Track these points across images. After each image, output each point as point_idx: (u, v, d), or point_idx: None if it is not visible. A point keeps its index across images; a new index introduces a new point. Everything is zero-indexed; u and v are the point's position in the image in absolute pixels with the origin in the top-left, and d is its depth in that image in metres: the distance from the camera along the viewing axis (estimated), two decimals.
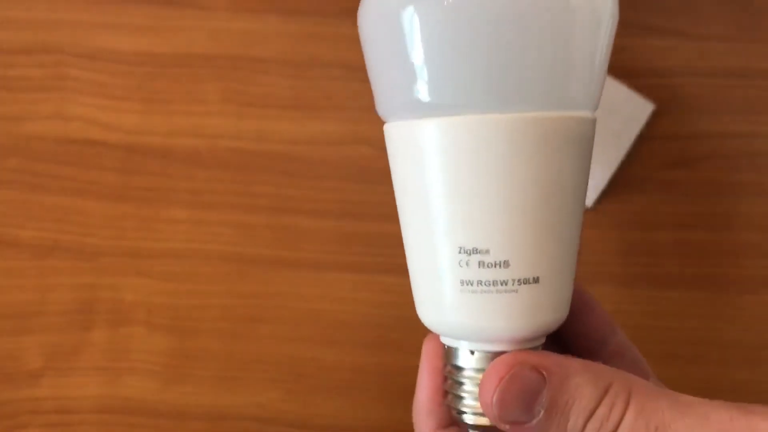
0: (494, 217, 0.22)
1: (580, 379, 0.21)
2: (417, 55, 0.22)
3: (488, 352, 0.23)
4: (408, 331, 0.37)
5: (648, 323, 0.37)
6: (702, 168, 0.37)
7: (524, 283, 0.23)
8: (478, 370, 0.23)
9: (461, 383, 0.24)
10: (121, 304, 0.38)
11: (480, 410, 0.23)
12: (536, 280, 0.23)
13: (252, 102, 0.38)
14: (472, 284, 0.23)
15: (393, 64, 0.23)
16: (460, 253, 0.23)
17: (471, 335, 0.24)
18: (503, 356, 0.22)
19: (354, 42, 0.38)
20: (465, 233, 0.23)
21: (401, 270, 0.38)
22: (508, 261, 0.22)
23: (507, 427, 0.22)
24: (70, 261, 0.38)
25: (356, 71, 0.38)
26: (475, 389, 0.23)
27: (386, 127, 0.25)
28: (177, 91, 0.38)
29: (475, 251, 0.23)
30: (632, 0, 0.37)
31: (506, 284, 0.22)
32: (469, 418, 0.24)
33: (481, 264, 0.22)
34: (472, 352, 0.24)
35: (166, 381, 0.38)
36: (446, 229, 0.23)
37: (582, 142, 0.23)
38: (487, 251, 0.22)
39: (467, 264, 0.23)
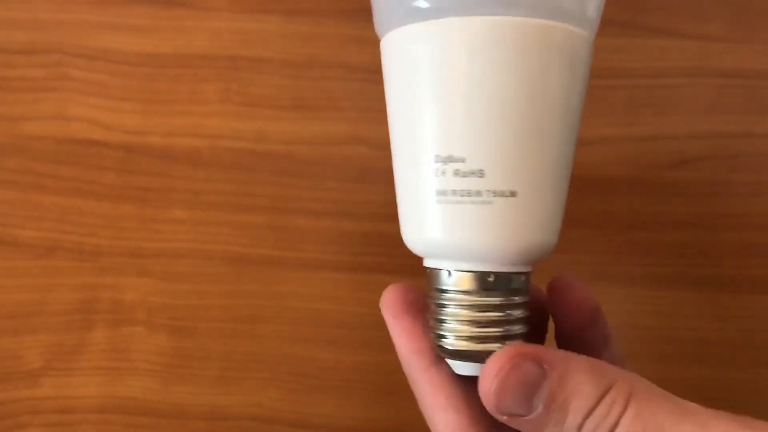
0: (472, 124, 0.22)
1: (581, 376, 0.21)
2: None
3: (469, 272, 0.23)
4: None
5: (648, 323, 0.37)
6: (702, 168, 0.37)
7: (499, 195, 0.22)
8: (460, 291, 0.23)
9: (443, 305, 0.24)
10: (122, 304, 0.38)
11: (462, 333, 0.23)
12: (512, 194, 0.22)
13: (252, 102, 0.38)
14: (446, 194, 0.23)
15: None
16: (436, 161, 0.23)
17: (450, 252, 0.23)
18: (505, 347, 0.22)
19: (354, 42, 0.38)
20: (442, 140, 0.22)
21: (401, 270, 0.38)
22: (482, 170, 0.22)
23: (505, 418, 0.22)
24: (71, 261, 0.38)
25: (356, 71, 0.38)
26: (458, 311, 0.23)
27: (381, 43, 0.25)
28: (177, 91, 0.38)
29: (451, 159, 0.22)
30: (632, 0, 0.37)
31: (480, 194, 0.22)
32: (449, 343, 0.24)
33: (456, 172, 0.22)
34: (450, 273, 0.23)
35: (166, 381, 0.38)
36: (424, 135, 0.23)
37: (572, 56, 0.23)
38: (463, 159, 0.22)
39: (443, 173, 0.22)
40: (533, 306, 0.25)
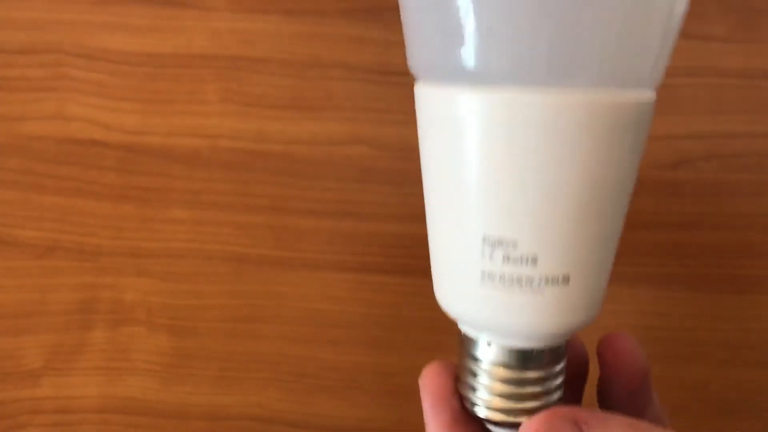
0: (526, 205, 0.20)
1: None
2: (459, 10, 0.19)
3: (507, 347, 0.22)
4: (408, 331, 0.37)
5: (648, 323, 0.37)
6: (702, 168, 0.37)
7: (552, 283, 0.20)
8: (495, 363, 0.22)
9: (476, 374, 0.23)
10: (121, 304, 0.38)
11: (493, 404, 0.22)
12: (565, 280, 0.20)
13: (252, 102, 0.38)
14: (494, 278, 0.21)
15: (430, 16, 0.20)
16: (484, 242, 0.20)
17: (490, 328, 0.22)
18: (546, 411, 0.21)
19: (354, 42, 0.38)
20: (492, 221, 0.20)
21: (401, 270, 0.38)
22: (536, 256, 0.20)
23: None
24: (71, 261, 0.38)
25: (356, 71, 0.38)
26: (490, 382, 0.22)
27: (417, 89, 0.22)
28: (177, 91, 0.38)
29: (501, 242, 0.20)
30: None
31: (532, 283, 0.20)
32: (481, 411, 0.23)
33: (506, 258, 0.20)
34: (489, 344, 0.22)
35: (166, 381, 0.38)
36: (472, 213, 0.20)
37: (638, 129, 0.20)
38: (515, 244, 0.20)
39: (491, 256, 0.20)
40: (572, 355, 0.24)
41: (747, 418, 0.37)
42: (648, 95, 0.20)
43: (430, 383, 0.24)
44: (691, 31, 0.38)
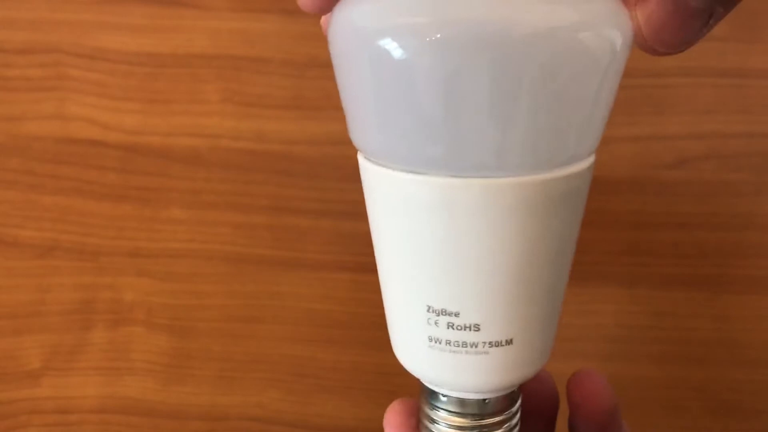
0: (465, 281, 0.21)
1: None
2: (398, 102, 0.19)
3: (461, 398, 0.23)
4: None
5: (648, 323, 0.37)
6: (702, 168, 0.37)
7: (496, 346, 0.21)
8: (451, 413, 0.23)
9: (435, 421, 0.24)
10: (121, 304, 0.38)
11: None
12: (509, 342, 0.21)
13: (252, 102, 0.38)
14: (440, 342, 0.21)
15: (369, 106, 0.20)
16: (428, 311, 0.21)
17: (441, 384, 0.23)
18: None
19: None
20: (434, 293, 0.21)
21: None
22: (478, 325, 0.21)
23: None
24: (70, 261, 0.38)
25: None
26: (450, 430, 0.23)
27: (363, 164, 0.22)
28: (177, 91, 0.38)
29: (444, 312, 0.21)
30: None
31: (476, 346, 0.21)
32: None
33: (450, 325, 0.21)
34: (444, 396, 0.23)
35: (166, 381, 0.38)
36: (416, 285, 0.21)
37: (574, 197, 0.21)
38: (457, 314, 0.21)
39: (436, 323, 0.21)
40: (543, 392, 0.25)
41: (747, 418, 0.37)
42: (579, 166, 0.20)
43: (393, 421, 0.25)
44: None
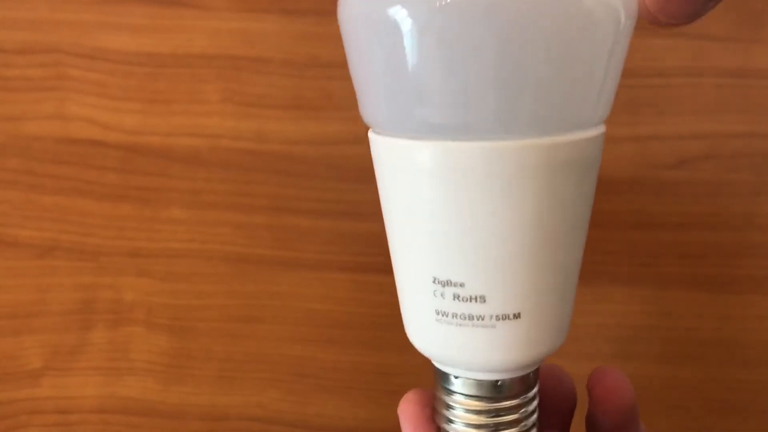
0: (471, 250, 0.20)
1: None
2: (405, 68, 0.19)
3: (475, 379, 0.22)
4: None
5: (648, 323, 0.37)
6: (702, 168, 0.37)
7: (503, 319, 0.21)
8: (467, 396, 0.23)
9: (450, 406, 0.23)
10: (121, 304, 0.38)
11: None
12: (517, 316, 0.21)
13: (252, 102, 0.38)
14: (447, 316, 0.21)
15: (377, 75, 0.21)
16: (434, 283, 0.21)
17: (452, 363, 0.22)
18: None
19: None
20: (439, 263, 0.21)
21: None
22: (484, 296, 0.21)
23: None
24: (70, 261, 0.38)
25: None
26: (468, 415, 0.23)
27: (372, 137, 0.23)
28: (177, 91, 0.38)
29: (449, 283, 0.21)
30: None
31: (482, 319, 0.21)
32: None
33: (456, 297, 0.21)
34: (457, 377, 0.23)
35: (166, 381, 0.38)
36: (422, 256, 0.21)
37: (582, 164, 0.21)
38: (462, 285, 0.21)
39: (442, 295, 0.21)
40: (560, 388, 0.25)
41: (747, 418, 0.37)
42: (585, 134, 0.21)
43: (408, 411, 0.25)
44: (691, 31, 0.38)
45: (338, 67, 0.38)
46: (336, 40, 0.38)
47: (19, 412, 0.38)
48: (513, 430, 0.23)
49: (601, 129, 0.21)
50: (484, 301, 0.21)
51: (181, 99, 0.38)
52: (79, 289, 0.38)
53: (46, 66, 0.38)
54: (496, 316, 0.21)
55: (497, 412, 0.22)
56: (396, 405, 0.37)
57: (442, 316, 0.21)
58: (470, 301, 0.21)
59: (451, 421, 0.23)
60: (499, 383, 0.22)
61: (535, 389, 0.23)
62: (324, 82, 0.38)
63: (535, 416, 0.23)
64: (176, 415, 0.38)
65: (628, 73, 0.38)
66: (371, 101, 0.22)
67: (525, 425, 0.23)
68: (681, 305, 0.37)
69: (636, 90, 0.37)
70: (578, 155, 0.20)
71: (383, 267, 0.37)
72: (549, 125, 0.20)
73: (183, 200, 0.38)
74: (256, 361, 0.38)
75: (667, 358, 0.37)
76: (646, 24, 0.39)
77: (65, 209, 0.38)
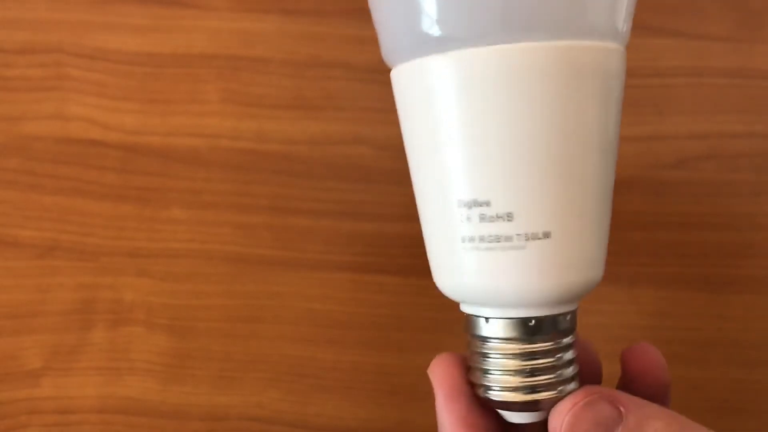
0: (494, 163, 0.20)
1: (659, 424, 0.19)
2: None
3: (509, 318, 0.21)
4: (408, 331, 0.37)
5: (648, 323, 0.37)
6: (702, 168, 0.37)
7: (532, 239, 0.20)
8: (503, 340, 0.22)
9: (486, 355, 0.22)
10: (121, 304, 0.38)
11: (510, 384, 0.22)
12: (546, 235, 0.20)
13: (252, 102, 0.38)
14: (474, 240, 0.20)
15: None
16: (459, 206, 0.21)
17: (485, 299, 0.22)
18: (584, 388, 0.20)
19: (354, 42, 0.38)
20: (463, 183, 0.20)
21: (401, 270, 0.38)
22: (511, 213, 0.20)
23: None
24: (70, 261, 0.38)
25: (356, 71, 0.38)
26: (503, 361, 0.22)
27: (392, 73, 0.23)
28: (177, 91, 0.38)
29: (475, 203, 0.20)
30: None
31: (511, 239, 0.20)
32: (496, 395, 0.22)
33: (482, 217, 0.20)
34: (487, 320, 0.22)
35: (166, 381, 0.38)
36: (443, 179, 0.21)
37: (604, 73, 0.20)
38: (488, 203, 0.20)
39: (468, 219, 0.20)
40: (586, 360, 0.24)
41: (747, 418, 0.37)
42: (612, 45, 0.20)
43: (441, 374, 0.24)
44: (691, 31, 0.38)
45: (338, 67, 0.38)
46: (336, 40, 0.38)
47: (18, 412, 0.38)
48: (550, 376, 0.22)
49: (620, 47, 0.21)
50: (511, 219, 0.20)
51: (181, 99, 0.38)
52: (79, 289, 0.38)
53: (46, 66, 0.38)
54: (525, 235, 0.20)
55: (531, 355, 0.22)
56: (396, 405, 0.37)
57: (469, 242, 0.21)
58: (497, 219, 0.20)
59: (486, 373, 0.22)
60: (531, 323, 0.21)
61: (571, 338, 0.22)
62: (324, 82, 0.38)
63: (573, 368, 0.23)
64: (176, 415, 0.38)
65: (628, 73, 0.38)
66: (390, 34, 0.22)
67: (561, 375, 0.22)
68: (681, 305, 0.37)
69: (636, 90, 0.37)
70: (595, 64, 0.20)
71: (383, 267, 0.37)
72: (563, 29, 0.19)
73: (183, 200, 0.38)
74: (256, 361, 0.38)
75: (667, 358, 0.37)
76: (646, 24, 0.39)
77: (65, 209, 0.38)
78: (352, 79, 0.38)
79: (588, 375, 0.25)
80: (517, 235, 0.20)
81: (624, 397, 0.20)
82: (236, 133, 0.38)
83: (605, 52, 0.20)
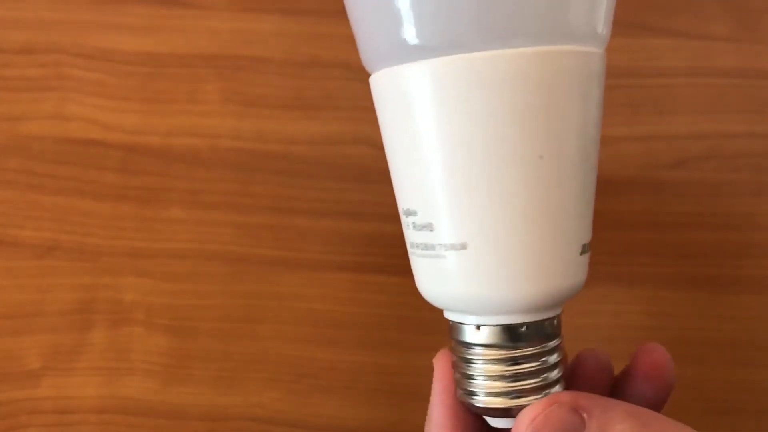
0: (415, 176, 0.21)
1: (622, 427, 0.19)
2: None
3: (495, 326, 0.21)
4: (408, 331, 0.37)
5: (648, 323, 0.37)
6: (702, 168, 0.37)
7: (450, 249, 0.20)
8: (487, 346, 0.21)
9: (469, 360, 0.22)
10: (121, 305, 0.38)
11: (495, 390, 0.22)
12: (462, 247, 0.20)
13: (252, 102, 0.38)
14: (413, 247, 0.22)
15: (369, 6, 0.22)
16: (404, 215, 0.22)
17: (433, 299, 0.22)
18: (546, 397, 0.21)
19: (354, 42, 0.38)
20: (402, 193, 0.22)
21: (401, 270, 0.38)
22: (431, 224, 0.20)
23: None
24: (70, 261, 0.38)
25: (356, 71, 0.37)
26: (487, 366, 0.22)
27: (371, 79, 0.23)
28: (177, 91, 0.38)
29: (409, 212, 0.21)
30: (632, 0, 0.37)
31: (434, 249, 0.21)
32: (480, 400, 0.22)
33: (414, 226, 0.21)
34: (480, 327, 0.22)
35: (166, 381, 0.38)
36: (396, 188, 0.22)
37: (586, 79, 0.20)
38: (415, 213, 0.21)
39: (408, 226, 0.21)
40: (596, 365, 0.25)
41: (747, 418, 0.37)
42: (593, 49, 0.20)
43: (443, 367, 0.24)
44: (691, 31, 0.38)
45: (338, 67, 0.38)
46: (336, 40, 0.38)
47: (18, 412, 0.38)
48: (535, 380, 0.22)
49: (594, 50, 0.21)
50: (432, 229, 0.20)
51: (181, 99, 0.38)
52: (79, 289, 0.38)
53: (46, 66, 0.38)
54: (443, 245, 0.20)
55: (519, 360, 0.22)
56: (396, 405, 0.37)
57: (413, 247, 0.22)
58: (422, 229, 0.21)
59: (471, 378, 0.22)
60: (479, 328, 0.22)
61: (560, 339, 0.22)
62: (324, 82, 0.38)
63: (559, 368, 0.22)
64: (176, 415, 0.38)
65: (628, 73, 0.38)
66: (367, 32, 0.22)
67: (549, 377, 0.22)
68: (681, 305, 0.37)
69: (636, 90, 0.37)
70: (576, 68, 0.20)
71: (383, 267, 0.37)
72: (539, 36, 0.19)
73: (183, 200, 0.38)
74: (256, 361, 0.38)
75: None
76: (646, 24, 0.39)
77: (65, 209, 0.38)
78: (352, 79, 0.38)
79: (598, 382, 0.25)
80: (439, 245, 0.20)
81: (589, 401, 0.20)
82: (236, 133, 0.38)
83: (584, 56, 0.20)
